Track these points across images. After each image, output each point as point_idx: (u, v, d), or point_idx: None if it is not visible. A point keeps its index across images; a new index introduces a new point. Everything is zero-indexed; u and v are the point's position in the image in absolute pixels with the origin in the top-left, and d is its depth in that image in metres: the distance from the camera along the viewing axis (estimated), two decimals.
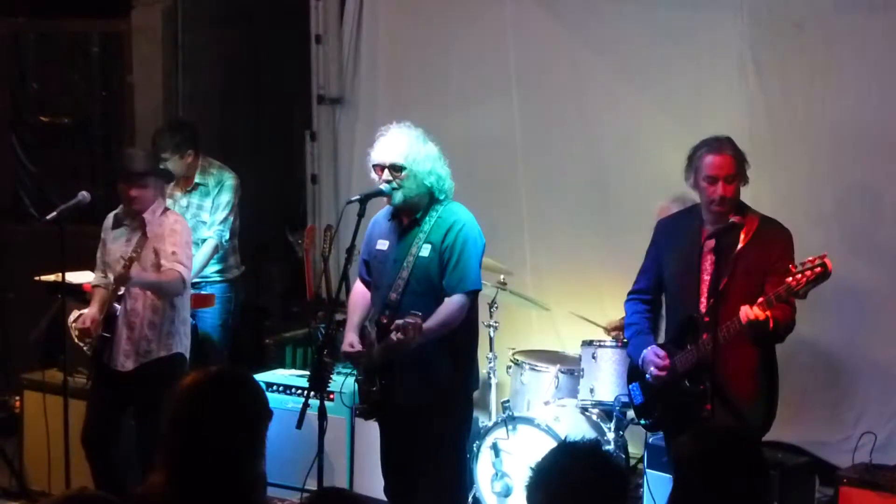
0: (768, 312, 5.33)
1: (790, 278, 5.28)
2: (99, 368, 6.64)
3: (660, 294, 5.99)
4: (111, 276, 6.52)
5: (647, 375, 5.80)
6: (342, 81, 8.98)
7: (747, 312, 5.33)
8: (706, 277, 5.51)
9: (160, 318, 6.55)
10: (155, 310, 6.54)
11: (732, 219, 5.53)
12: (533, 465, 3.55)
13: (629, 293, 6.08)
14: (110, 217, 6.75)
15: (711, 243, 5.52)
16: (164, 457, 3.81)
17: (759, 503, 3.64)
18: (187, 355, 6.72)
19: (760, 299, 5.37)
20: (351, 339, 5.88)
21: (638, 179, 7.78)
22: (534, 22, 8.16)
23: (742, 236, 5.62)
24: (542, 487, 3.50)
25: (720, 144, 5.66)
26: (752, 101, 7.38)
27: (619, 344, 6.82)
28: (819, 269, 5.25)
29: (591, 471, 3.48)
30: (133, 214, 6.58)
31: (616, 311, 7.19)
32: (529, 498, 3.56)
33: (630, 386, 6.06)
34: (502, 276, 7.34)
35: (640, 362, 5.85)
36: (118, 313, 6.50)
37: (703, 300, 5.59)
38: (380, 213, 6.04)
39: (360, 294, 6.08)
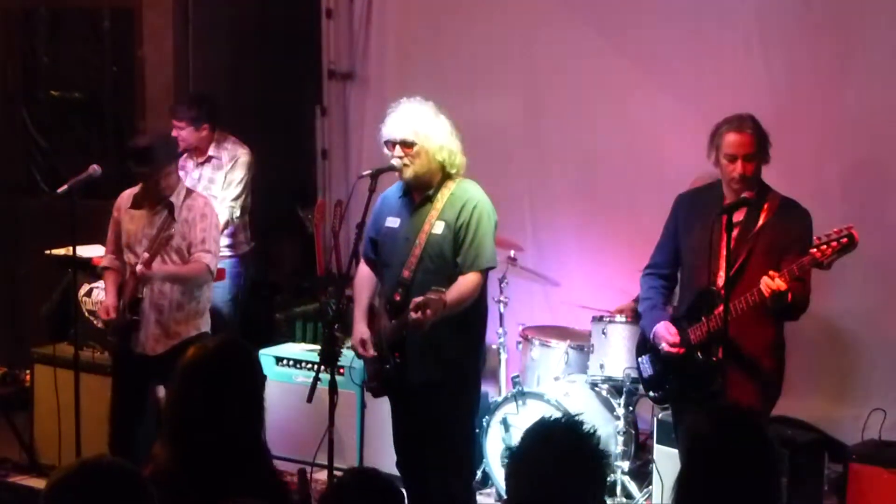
0: (789, 284, 5.32)
1: (814, 250, 5.27)
2: (124, 352, 6.56)
3: (676, 269, 5.96)
4: (128, 258, 6.48)
5: (660, 350, 5.79)
6: (353, 56, 8.98)
7: (769, 283, 5.31)
8: (724, 253, 5.44)
9: (188, 299, 6.50)
10: (183, 291, 6.48)
11: (744, 194, 5.52)
12: (506, 453, 3.52)
13: (645, 267, 6.06)
14: (126, 196, 6.62)
15: (731, 218, 5.44)
16: (168, 430, 3.84)
17: (769, 482, 3.63)
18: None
19: (783, 270, 5.34)
20: (362, 335, 5.86)
21: (639, 156, 7.78)
22: (540, 2, 8.15)
23: (762, 215, 5.61)
24: (518, 475, 3.48)
25: (741, 122, 5.64)
26: (758, 79, 7.36)
27: (629, 320, 6.83)
28: (845, 239, 5.23)
29: (565, 457, 3.43)
30: (156, 198, 6.45)
31: (617, 287, 7.23)
32: (507, 483, 3.55)
33: (640, 359, 6.05)
34: (512, 252, 7.34)
35: (651, 337, 5.85)
36: (144, 296, 6.43)
37: (721, 275, 5.54)
38: (389, 190, 6.00)
39: (365, 277, 6.04)
